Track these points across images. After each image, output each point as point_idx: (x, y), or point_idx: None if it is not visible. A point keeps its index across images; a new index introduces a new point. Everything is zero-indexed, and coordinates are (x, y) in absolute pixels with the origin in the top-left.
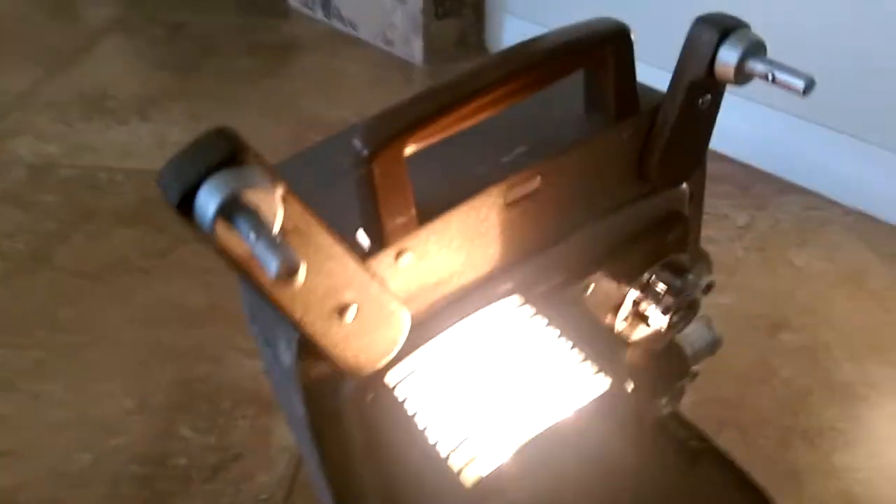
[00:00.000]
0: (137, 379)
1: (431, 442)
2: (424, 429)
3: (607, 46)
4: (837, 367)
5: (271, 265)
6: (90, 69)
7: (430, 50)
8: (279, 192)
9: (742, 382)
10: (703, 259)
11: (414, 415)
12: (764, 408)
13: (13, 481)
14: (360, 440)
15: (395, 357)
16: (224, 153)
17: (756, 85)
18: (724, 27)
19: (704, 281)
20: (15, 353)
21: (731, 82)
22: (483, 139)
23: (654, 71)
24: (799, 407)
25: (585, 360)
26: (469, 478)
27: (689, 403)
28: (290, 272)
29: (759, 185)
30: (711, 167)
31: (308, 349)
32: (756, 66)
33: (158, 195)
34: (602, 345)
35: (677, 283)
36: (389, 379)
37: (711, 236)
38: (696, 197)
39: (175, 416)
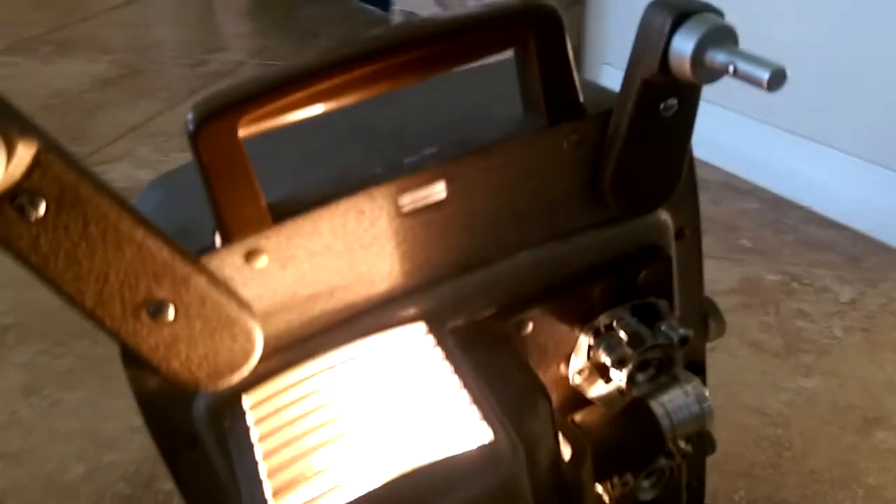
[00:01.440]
0: None
1: (261, 476)
2: (257, 464)
3: (526, 28)
4: None
5: None
6: None
7: None
8: (27, 151)
9: (815, 484)
10: (709, 313)
11: (252, 446)
12: None
13: (5, 483)
14: (223, 472)
15: (259, 377)
16: None
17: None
18: (679, 11)
19: (677, 333)
20: (49, 360)
21: (689, 79)
22: (392, 137)
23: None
24: None
25: (471, 406)
26: None
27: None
28: None
29: (873, 257)
30: (817, 233)
31: (132, 355)
32: (716, 56)
33: None
34: (510, 393)
35: (638, 330)
36: (245, 403)
37: (805, 310)
38: (691, 235)
39: None
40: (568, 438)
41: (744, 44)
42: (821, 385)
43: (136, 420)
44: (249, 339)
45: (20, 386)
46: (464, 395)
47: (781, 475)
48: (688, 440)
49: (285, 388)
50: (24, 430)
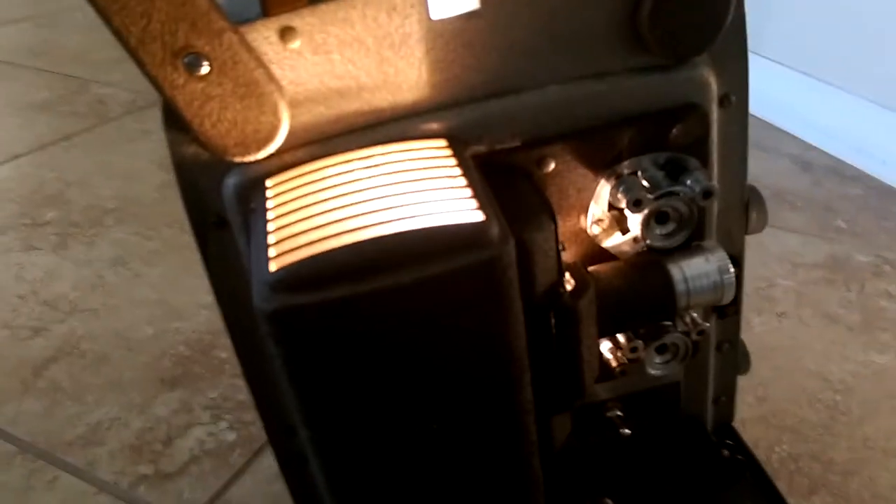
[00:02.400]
0: None
1: (268, 242)
2: (268, 234)
3: None
4: None
5: None
6: None
7: None
8: None
9: (866, 450)
10: (751, 201)
11: (267, 221)
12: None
13: (84, 331)
14: (245, 255)
15: (284, 165)
16: None
17: None
18: None
19: (701, 184)
20: (140, 240)
21: None
22: None
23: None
24: None
25: (472, 199)
26: (273, 265)
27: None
28: None
29: None
30: None
31: (173, 115)
32: None
33: None
34: (515, 206)
35: (658, 175)
36: (269, 185)
37: (893, 292)
38: (737, 104)
39: None
40: (573, 275)
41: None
42: (895, 362)
43: (206, 298)
44: (276, 113)
45: (110, 258)
46: (468, 193)
47: (832, 437)
48: (705, 318)
49: (305, 175)
50: (106, 293)
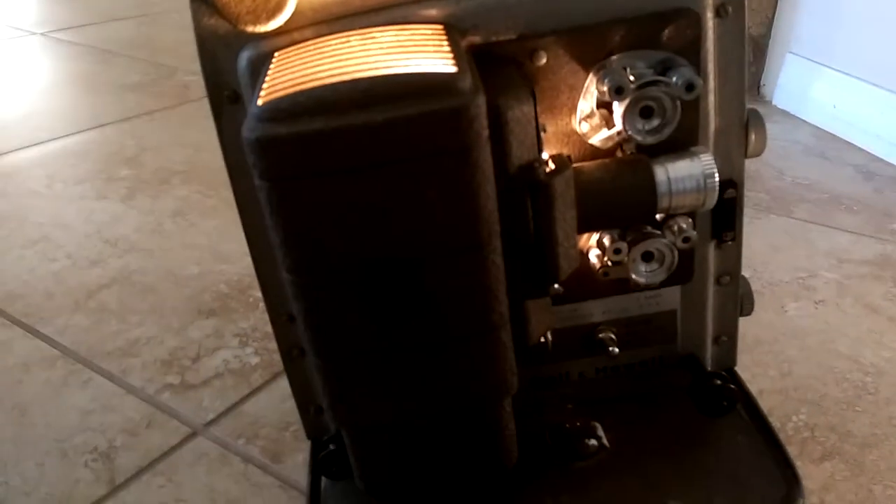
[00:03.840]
0: None
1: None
2: (264, 79)
3: None
4: None
5: None
6: None
7: None
8: None
9: (889, 427)
10: (750, 121)
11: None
12: None
13: (137, 266)
14: None
15: (293, 41)
16: None
17: None
18: None
19: (684, 77)
20: (200, 197)
21: None
22: None
23: None
24: None
25: (450, 60)
26: (261, 101)
27: None
28: None
29: None
30: None
31: None
32: None
33: None
34: (495, 79)
35: (643, 69)
36: (275, 55)
37: None
38: (734, 14)
39: None
40: (553, 158)
41: None
42: None
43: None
44: None
45: (171, 209)
46: (450, 58)
47: (854, 412)
48: (690, 225)
49: (307, 46)
50: (162, 237)
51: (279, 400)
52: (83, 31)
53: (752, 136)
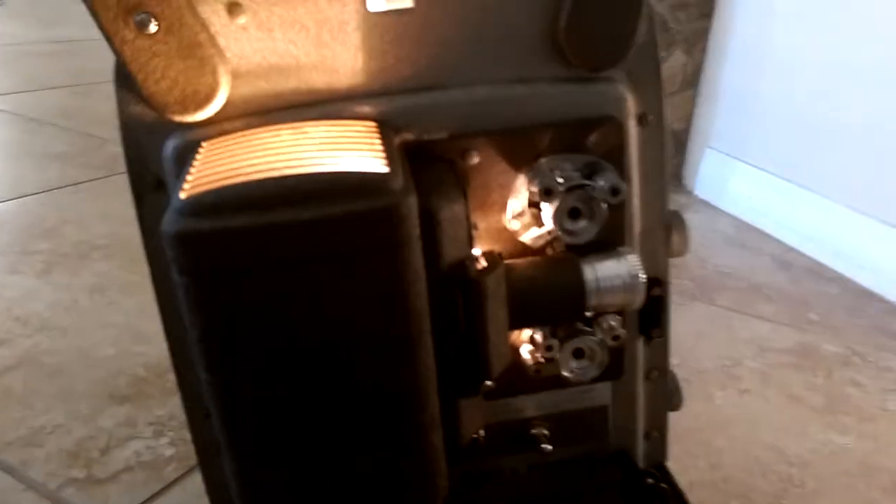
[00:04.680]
0: None
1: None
2: (189, 170)
3: None
4: None
5: None
6: None
7: None
8: None
9: None
10: (673, 224)
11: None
12: None
13: (48, 346)
14: None
15: (222, 132)
16: None
17: None
18: None
19: (611, 181)
20: (122, 273)
21: None
22: None
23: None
24: None
25: (384, 161)
26: (183, 195)
27: None
28: None
29: None
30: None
31: (124, 74)
32: None
33: None
34: (429, 178)
35: (571, 172)
36: (203, 145)
37: (860, 381)
38: (655, 123)
39: None
40: (485, 256)
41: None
42: (855, 444)
43: None
44: (215, 75)
45: (89, 285)
46: (381, 156)
47: None
48: (619, 323)
49: (237, 138)
50: (78, 315)
51: (194, 497)
52: (13, 98)
53: (675, 237)
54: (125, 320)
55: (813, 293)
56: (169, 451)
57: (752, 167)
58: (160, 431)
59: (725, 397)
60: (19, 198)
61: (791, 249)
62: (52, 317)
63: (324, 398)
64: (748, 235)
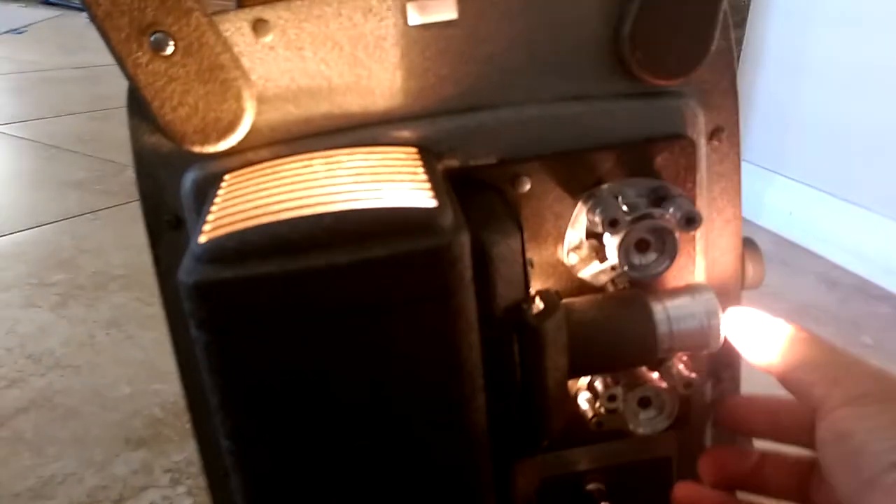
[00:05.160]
0: None
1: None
2: (210, 209)
3: None
4: None
5: None
6: None
7: None
8: None
9: None
10: (748, 253)
11: (213, 200)
12: None
13: (61, 386)
14: None
15: (247, 163)
16: None
17: None
18: None
19: (683, 210)
20: (140, 305)
21: None
22: None
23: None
24: None
25: (431, 193)
26: (203, 237)
27: None
28: None
29: None
30: None
31: (138, 101)
32: None
33: None
34: (480, 209)
35: (637, 200)
36: (226, 178)
37: None
38: (728, 140)
39: None
40: (542, 297)
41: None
42: None
43: None
44: (239, 101)
45: (106, 319)
46: (426, 187)
47: None
48: (688, 366)
49: (263, 169)
50: (93, 352)
51: None
52: (30, 125)
53: (749, 268)
54: (142, 356)
55: (863, 314)
56: (186, 502)
57: (791, 180)
58: (177, 479)
59: None
60: (37, 227)
61: (836, 267)
62: (66, 354)
63: (364, 470)
64: (789, 253)
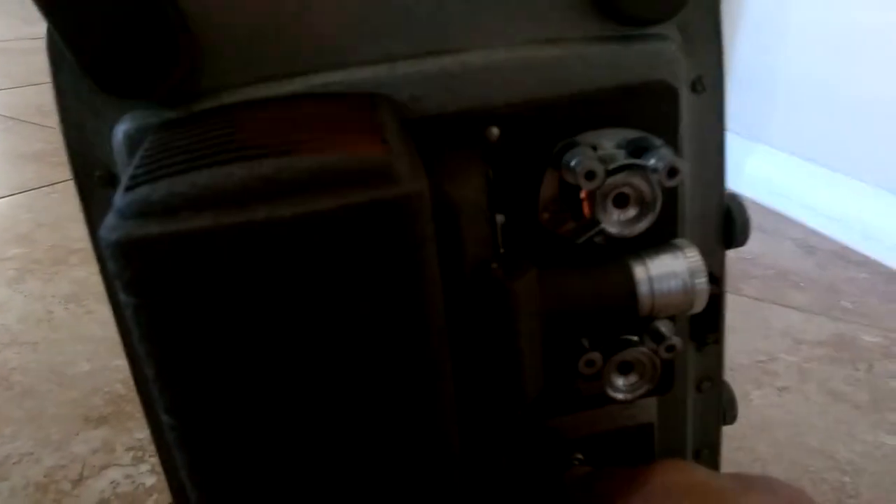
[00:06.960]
0: None
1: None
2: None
3: None
4: None
5: None
6: None
7: None
8: None
9: None
10: (731, 209)
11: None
12: None
13: (17, 363)
14: None
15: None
16: None
17: None
18: None
19: (665, 161)
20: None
21: None
22: None
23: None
24: None
25: (381, 139)
26: (127, 190)
27: None
28: None
29: None
30: None
31: (58, 42)
32: None
33: None
34: (444, 160)
35: (614, 151)
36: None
37: None
38: (711, 90)
39: None
40: (511, 256)
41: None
42: None
43: None
44: (173, 41)
45: (65, 294)
46: (379, 135)
47: None
48: (670, 329)
49: (202, 117)
50: (51, 328)
51: None
52: None
53: (735, 224)
54: (102, 332)
55: (842, 279)
56: (150, 481)
57: (771, 148)
58: (140, 457)
59: (763, 396)
60: None
61: (814, 233)
62: (22, 330)
63: (319, 442)
64: (768, 219)
